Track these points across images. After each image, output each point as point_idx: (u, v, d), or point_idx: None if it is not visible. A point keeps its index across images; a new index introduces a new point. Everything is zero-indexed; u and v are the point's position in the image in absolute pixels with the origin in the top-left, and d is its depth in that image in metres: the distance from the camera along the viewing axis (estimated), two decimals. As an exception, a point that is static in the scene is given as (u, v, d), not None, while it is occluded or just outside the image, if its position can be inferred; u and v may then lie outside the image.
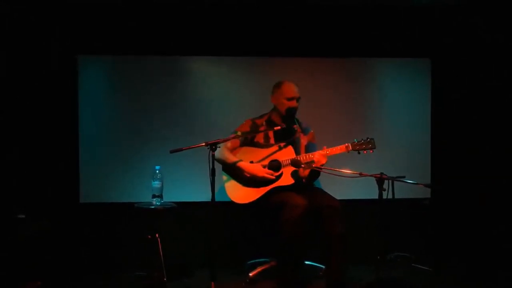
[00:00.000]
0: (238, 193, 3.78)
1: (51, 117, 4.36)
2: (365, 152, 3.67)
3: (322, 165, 3.65)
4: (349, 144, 3.69)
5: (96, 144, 4.41)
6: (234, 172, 3.79)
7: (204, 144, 3.49)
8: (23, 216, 3.91)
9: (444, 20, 4.59)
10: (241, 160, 3.77)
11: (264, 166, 3.76)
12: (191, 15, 4.46)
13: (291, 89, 3.84)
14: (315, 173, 3.86)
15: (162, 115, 4.46)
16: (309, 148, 3.91)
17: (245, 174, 3.73)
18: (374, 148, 3.68)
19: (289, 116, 3.84)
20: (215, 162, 3.50)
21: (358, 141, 3.69)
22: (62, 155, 4.38)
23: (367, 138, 3.69)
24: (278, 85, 3.90)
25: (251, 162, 3.80)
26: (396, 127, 4.63)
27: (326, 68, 4.59)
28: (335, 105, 4.60)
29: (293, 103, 3.83)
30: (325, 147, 3.70)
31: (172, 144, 3.73)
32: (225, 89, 4.53)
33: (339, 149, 3.69)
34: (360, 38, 4.59)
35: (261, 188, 3.72)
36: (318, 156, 3.67)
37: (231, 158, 3.80)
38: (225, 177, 3.86)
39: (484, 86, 4.62)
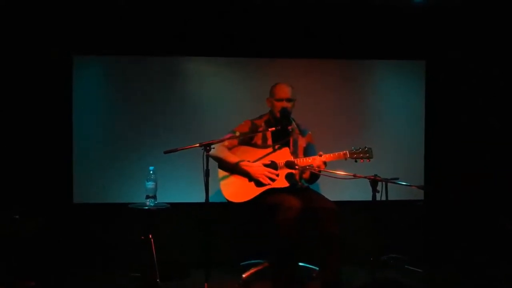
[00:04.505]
0: (233, 191, 3.77)
1: (45, 117, 4.34)
2: (361, 161, 3.69)
3: (320, 170, 3.64)
4: (347, 152, 3.69)
5: (90, 145, 4.40)
6: (233, 170, 3.78)
7: (198, 144, 3.49)
8: (17, 216, 3.89)
9: (439, 22, 4.61)
10: (243, 161, 3.75)
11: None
12: (188, 15, 4.45)
13: (281, 90, 3.85)
14: (314, 176, 3.86)
15: (156, 116, 4.45)
16: (308, 150, 3.92)
17: (250, 174, 3.71)
18: (371, 157, 3.69)
19: (283, 117, 3.83)
20: (210, 162, 3.48)
21: (356, 149, 3.69)
22: (56, 155, 4.36)
23: (365, 147, 3.70)
24: (272, 87, 3.92)
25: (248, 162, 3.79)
26: (390, 129, 4.65)
27: (322, 69, 4.61)
28: (330, 106, 4.61)
29: (283, 104, 3.82)
30: (321, 152, 3.70)
31: (166, 144, 3.71)
32: (221, 90, 4.53)
33: (336, 155, 3.69)
34: (356, 40, 4.60)
35: (257, 188, 3.72)
36: (318, 162, 3.66)
37: (232, 158, 3.77)
38: (220, 175, 3.84)
39: (478, 88, 4.64)
